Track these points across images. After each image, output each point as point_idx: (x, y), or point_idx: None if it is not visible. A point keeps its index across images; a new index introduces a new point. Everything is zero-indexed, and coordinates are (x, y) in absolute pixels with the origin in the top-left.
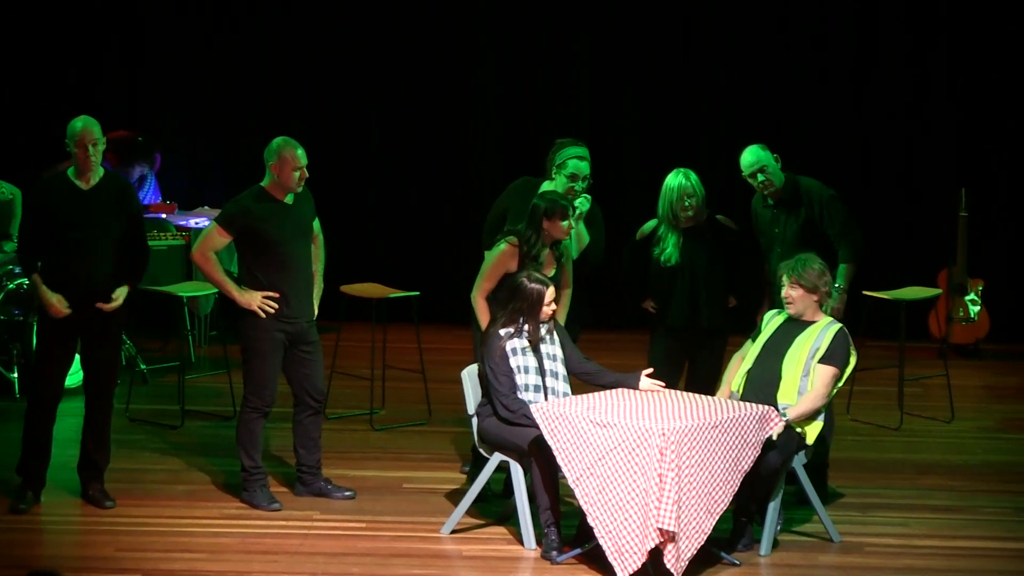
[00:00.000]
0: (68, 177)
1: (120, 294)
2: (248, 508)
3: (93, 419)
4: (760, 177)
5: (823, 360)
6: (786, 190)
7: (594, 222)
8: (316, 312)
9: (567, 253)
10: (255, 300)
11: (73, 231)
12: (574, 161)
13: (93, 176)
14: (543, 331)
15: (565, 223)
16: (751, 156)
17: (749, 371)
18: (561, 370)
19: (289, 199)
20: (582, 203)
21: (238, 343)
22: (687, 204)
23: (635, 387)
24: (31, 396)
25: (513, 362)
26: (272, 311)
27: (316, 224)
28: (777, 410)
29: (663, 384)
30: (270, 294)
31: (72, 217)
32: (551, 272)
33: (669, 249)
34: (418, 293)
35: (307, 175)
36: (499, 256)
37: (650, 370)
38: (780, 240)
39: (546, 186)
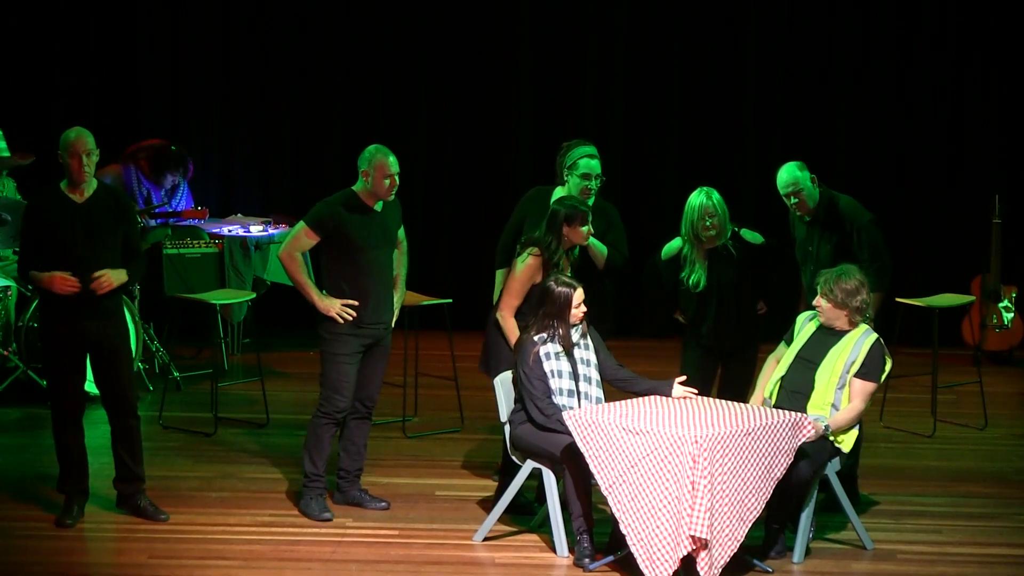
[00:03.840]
0: (61, 190)
1: (113, 274)
2: (281, 515)
3: (123, 435)
4: (793, 200)
5: (860, 375)
6: (821, 209)
7: (612, 225)
8: (396, 317)
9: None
10: (334, 307)
11: (72, 247)
12: (585, 160)
13: (87, 188)
14: (576, 335)
15: (585, 228)
16: (787, 176)
17: (782, 378)
18: (595, 375)
19: (378, 206)
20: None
21: (318, 348)
22: (708, 224)
23: (668, 395)
24: (54, 414)
25: (547, 366)
26: (350, 318)
27: (401, 231)
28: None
29: (696, 391)
30: (349, 302)
31: (69, 233)
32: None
33: (696, 274)
34: (451, 300)
35: (398, 183)
36: (526, 269)
37: (683, 377)
38: (814, 258)
39: (559, 192)
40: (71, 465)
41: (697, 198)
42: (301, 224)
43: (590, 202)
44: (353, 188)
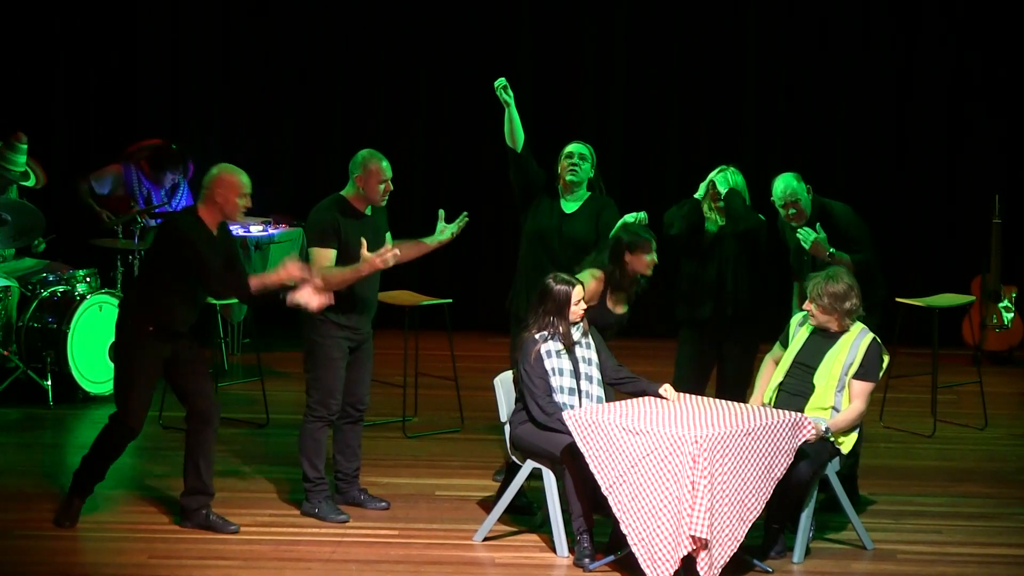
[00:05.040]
0: (199, 218)
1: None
2: (281, 515)
3: (202, 444)
4: (791, 211)
5: (859, 376)
6: (814, 219)
7: (610, 217)
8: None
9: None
10: (376, 258)
11: (208, 275)
12: (570, 145)
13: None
14: (576, 333)
15: (648, 257)
16: (785, 187)
17: (781, 384)
18: (595, 374)
19: (368, 210)
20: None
21: (303, 349)
22: (719, 188)
23: (667, 396)
24: (112, 428)
25: (548, 364)
26: (393, 262)
27: (387, 236)
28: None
29: (681, 391)
30: (390, 248)
31: (211, 260)
32: (622, 310)
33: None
34: (451, 300)
35: (392, 188)
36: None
37: (667, 386)
38: (809, 266)
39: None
40: (95, 473)
41: (717, 170)
42: (312, 250)
43: (579, 179)
44: (342, 193)
